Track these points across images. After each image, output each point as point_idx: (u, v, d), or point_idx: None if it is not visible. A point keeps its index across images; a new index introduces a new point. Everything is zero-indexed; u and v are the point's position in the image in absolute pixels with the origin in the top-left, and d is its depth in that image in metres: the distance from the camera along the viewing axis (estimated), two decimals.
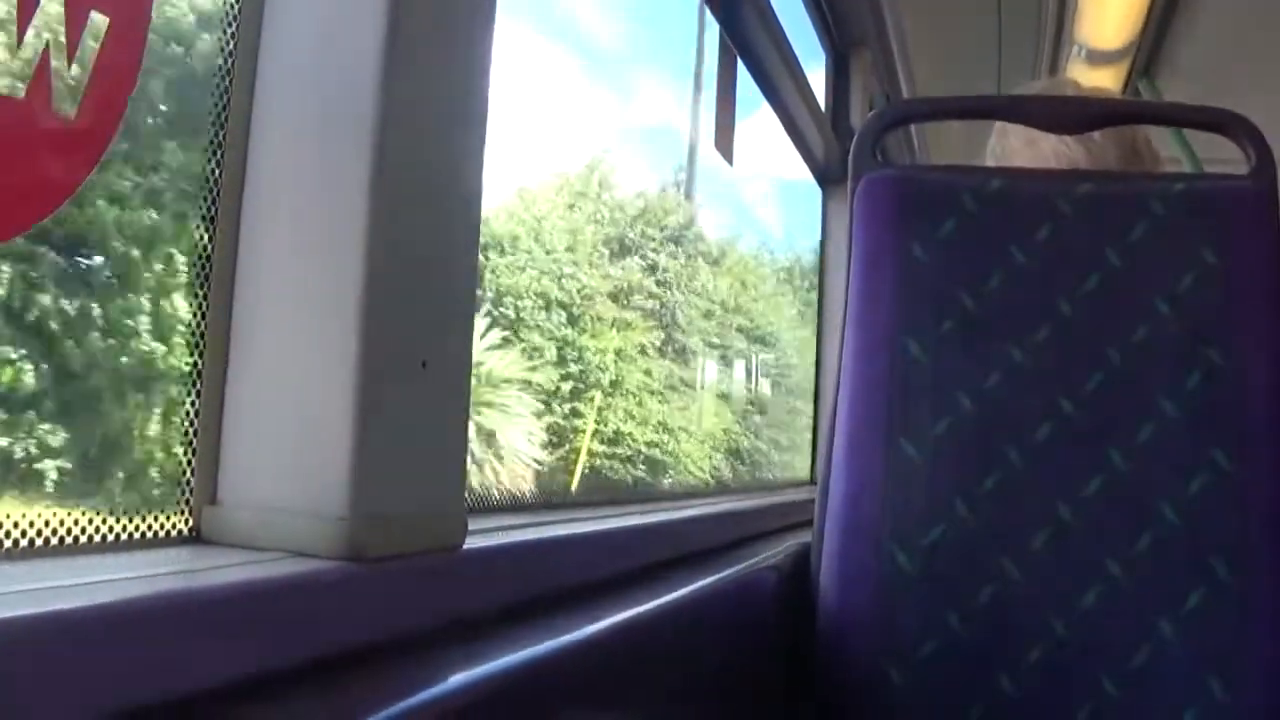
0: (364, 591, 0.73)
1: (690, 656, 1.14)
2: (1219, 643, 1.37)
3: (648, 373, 3.17)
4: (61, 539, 0.68)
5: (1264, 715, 1.35)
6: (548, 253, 2.94)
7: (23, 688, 0.49)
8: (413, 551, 0.77)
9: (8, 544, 0.65)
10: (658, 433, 3.17)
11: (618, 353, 3.07)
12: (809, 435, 3.06)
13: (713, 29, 2.26)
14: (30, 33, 0.61)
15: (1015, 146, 1.77)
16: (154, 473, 0.85)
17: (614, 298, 3.07)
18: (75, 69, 0.64)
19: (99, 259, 0.87)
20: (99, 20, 0.65)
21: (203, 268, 0.79)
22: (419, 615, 0.76)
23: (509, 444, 2.61)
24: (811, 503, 1.54)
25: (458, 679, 0.69)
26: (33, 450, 0.79)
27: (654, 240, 3.27)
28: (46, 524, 0.67)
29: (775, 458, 3.91)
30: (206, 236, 0.79)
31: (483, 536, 0.89)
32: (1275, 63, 3.49)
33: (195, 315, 0.78)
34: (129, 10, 0.68)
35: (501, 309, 2.78)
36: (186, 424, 0.78)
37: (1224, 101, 1.59)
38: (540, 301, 2.85)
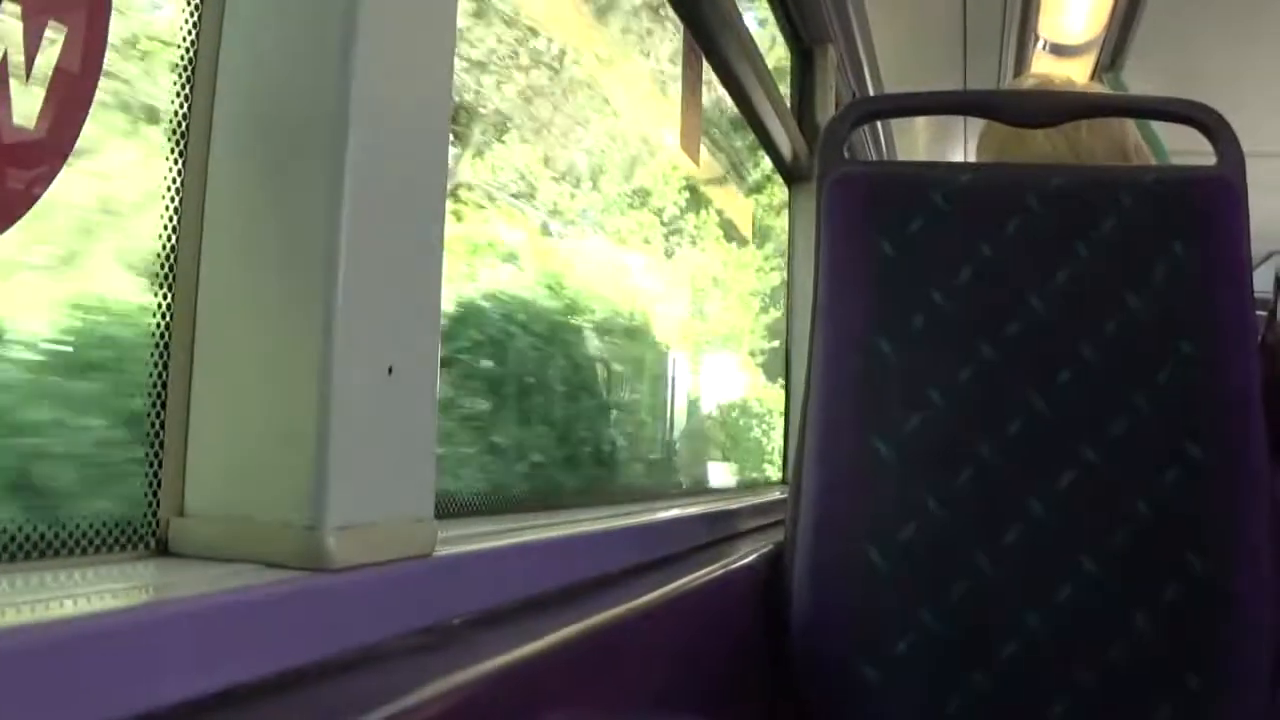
0: (335, 601, 0.72)
1: (666, 658, 1.13)
2: (1194, 637, 1.38)
3: None
4: (24, 551, 0.67)
5: (1239, 709, 1.36)
6: None
7: None
8: (383, 560, 0.77)
9: None
10: None
11: None
12: None
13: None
14: None
15: (1002, 140, 1.77)
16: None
17: None
18: (33, 81, 0.63)
19: None
20: (56, 31, 0.64)
21: (165, 275, 0.78)
22: (391, 624, 0.76)
23: None
24: (785, 502, 1.54)
25: (431, 688, 0.68)
26: None
27: None
28: (4, 532, 0.66)
29: None
30: (169, 243, 0.78)
31: (454, 543, 0.89)
32: (1241, 55, 3.51)
33: (158, 325, 0.77)
34: (87, 21, 0.67)
35: None
36: (151, 436, 0.77)
37: (1190, 94, 1.60)
38: None
